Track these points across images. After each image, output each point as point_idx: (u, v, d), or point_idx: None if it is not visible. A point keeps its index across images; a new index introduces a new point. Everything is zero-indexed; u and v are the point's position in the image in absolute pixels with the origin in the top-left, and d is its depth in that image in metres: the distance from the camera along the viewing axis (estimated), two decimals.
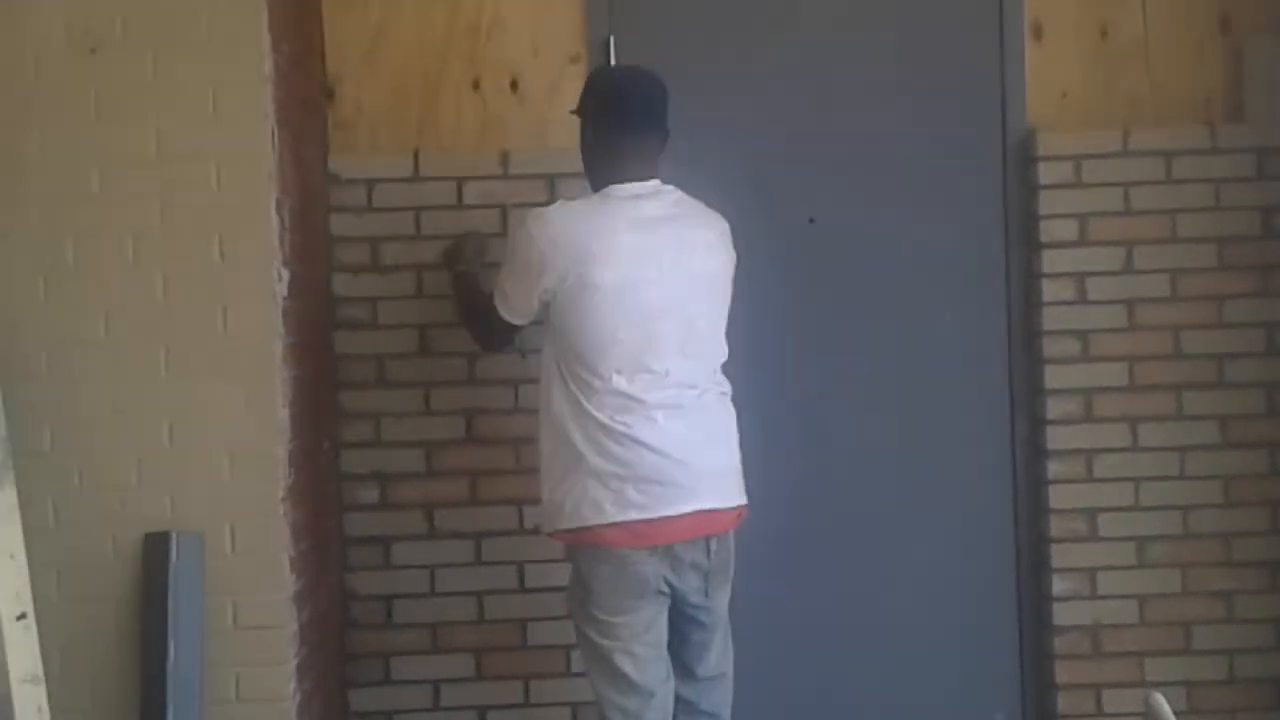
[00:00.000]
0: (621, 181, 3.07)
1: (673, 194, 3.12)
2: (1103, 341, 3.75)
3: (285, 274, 3.18)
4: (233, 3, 3.09)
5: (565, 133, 3.62)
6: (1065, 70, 3.80)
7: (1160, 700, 2.64)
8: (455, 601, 3.69)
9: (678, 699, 3.11)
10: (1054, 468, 3.75)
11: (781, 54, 3.78)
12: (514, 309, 3.12)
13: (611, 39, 3.73)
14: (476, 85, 3.73)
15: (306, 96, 3.53)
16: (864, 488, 3.74)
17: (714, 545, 3.03)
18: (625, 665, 2.99)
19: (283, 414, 3.13)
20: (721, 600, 3.10)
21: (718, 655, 3.15)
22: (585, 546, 2.99)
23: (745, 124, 3.73)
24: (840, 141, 3.78)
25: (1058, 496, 3.75)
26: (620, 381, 2.95)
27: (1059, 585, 3.75)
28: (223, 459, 3.07)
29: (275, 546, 3.09)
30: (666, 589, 3.01)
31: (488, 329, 3.27)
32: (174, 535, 3.01)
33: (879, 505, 3.77)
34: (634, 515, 2.94)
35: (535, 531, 3.69)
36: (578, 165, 3.63)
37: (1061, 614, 3.75)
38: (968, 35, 3.80)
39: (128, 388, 3.07)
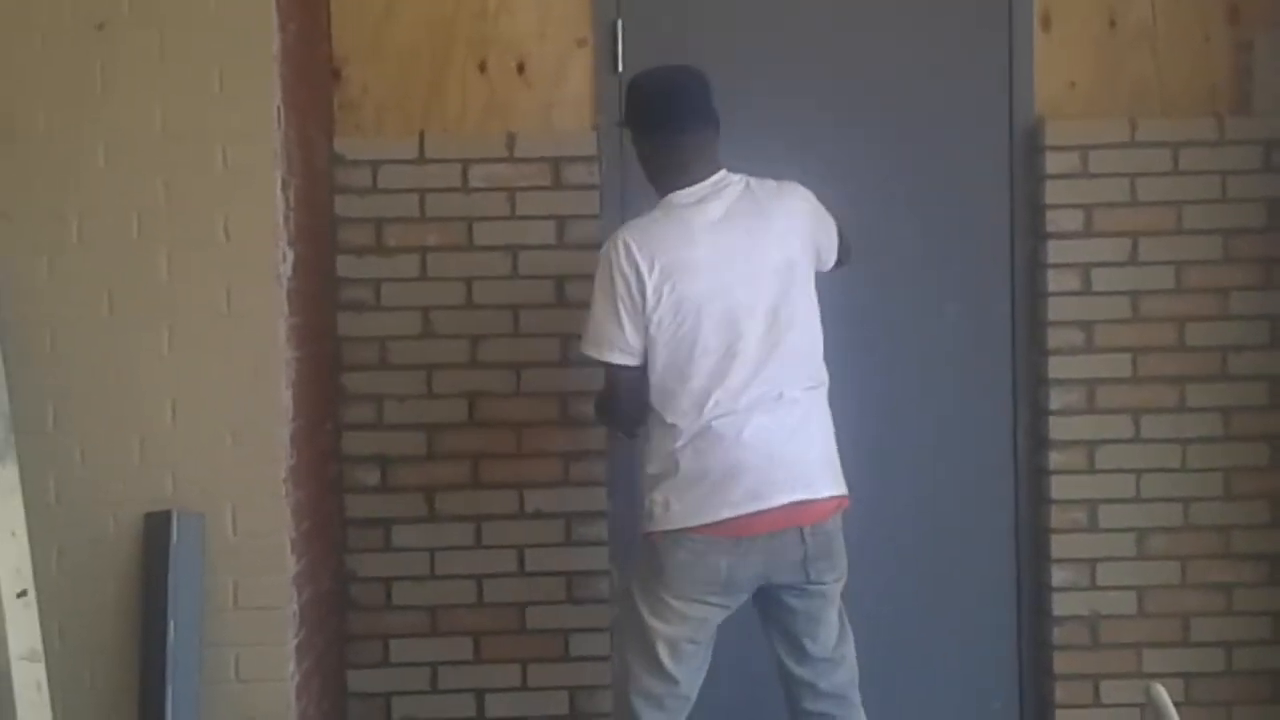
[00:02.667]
0: (686, 185, 3.04)
1: (738, 184, 3.08)
2: (1106, 333, 3.75)
3: (289, 254, 3.17)
4: None
5: (571, 116, 3.62)
6: (1073, 60, 3.78)
7: (1161, 691, 2.63)
8: (455, 584, 3.69)
9: (796, 680, 3.11)
10: (1055, 458, 3.75)
11: (790, 40, 3.76)
12: (623, 348, 3.01)
13: (619, 23, 3.72)
14: (483, 67, 3.72)
15: (313, 77, 3.51)
16: (864, 475, 3.71)
17: (808, 533, 3.01)
18: (663, 651, 3.00)
19: (285, 395, 3.12)
20: (826, 579, 3.06)
21: (832, 635, 3.12)
22: (670, 532, 3.00)
23: (752, 110, 3.71)
24: (849, 128, 3.77)
25: (1059, 487, 3.75)
26: (710, 388, 2.95)
27: (1058, 576, 3.75)
28: (225, 439, 3.06)
29: (276, 527, 3.09)
30: (738, 590, 3.01)
31: (614, 402, 3.12)
32: (175, 515, 3.01)
33: (879, 493, 3.75)
34: (726, 514, 2.96)
35: (536, 515, 3.70)
36: (583, 149, 3.65)
37: (1061, 604, 3.75)
38: (977, 24, 3.79)
39: (131, 366, 3.06)
